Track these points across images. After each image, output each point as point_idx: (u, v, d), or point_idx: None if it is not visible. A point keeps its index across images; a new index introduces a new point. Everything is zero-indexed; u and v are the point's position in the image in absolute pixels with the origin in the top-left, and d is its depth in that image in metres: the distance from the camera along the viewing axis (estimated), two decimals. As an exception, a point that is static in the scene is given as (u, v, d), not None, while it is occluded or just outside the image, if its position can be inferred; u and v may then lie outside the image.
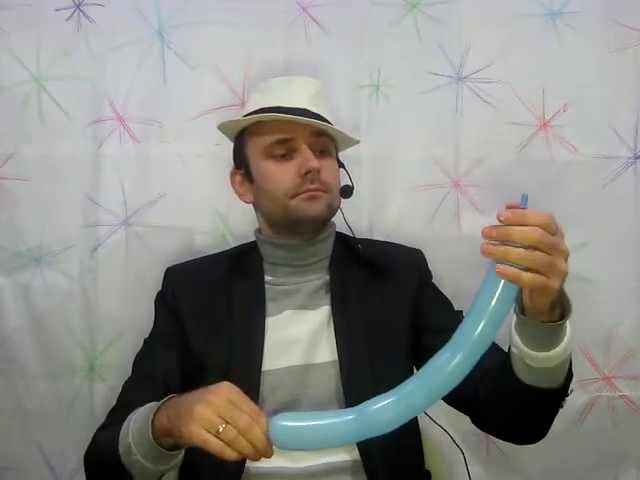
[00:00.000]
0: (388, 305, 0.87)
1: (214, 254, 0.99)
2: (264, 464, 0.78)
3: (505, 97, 1.12)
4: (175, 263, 0.95)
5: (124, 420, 0.69)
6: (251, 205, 0.93)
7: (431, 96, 1.13)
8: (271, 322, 0.85)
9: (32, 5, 1.13)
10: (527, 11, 1.13)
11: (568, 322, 0.61)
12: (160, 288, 0.92)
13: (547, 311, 0.58)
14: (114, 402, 1.14)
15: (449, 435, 0.92)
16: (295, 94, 0.87)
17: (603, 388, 1.13)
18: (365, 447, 0.78)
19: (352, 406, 0.77)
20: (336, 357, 0.82)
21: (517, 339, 0.62)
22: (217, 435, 0.56)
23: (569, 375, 0.66)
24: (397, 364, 0.85)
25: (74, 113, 1.14)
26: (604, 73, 1.12)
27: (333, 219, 0.91)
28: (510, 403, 0.70)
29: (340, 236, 0.94)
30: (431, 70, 1.13)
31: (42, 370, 1.14)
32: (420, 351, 0.85)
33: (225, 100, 1.13)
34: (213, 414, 0.57)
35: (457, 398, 0.76)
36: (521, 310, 0.61)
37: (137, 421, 0.66)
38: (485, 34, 1.12)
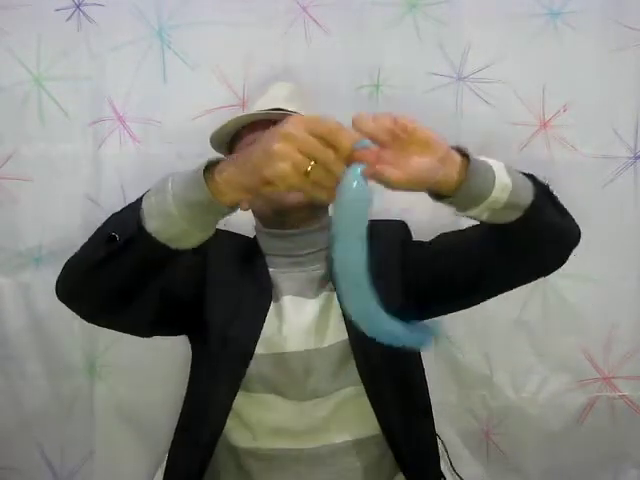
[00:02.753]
0: (380, 274, 0.87)
1: (233, 232, 1.00)
2: (270, 445, 0.82)
3: (505, 97, 1.12)
4: None
5: None
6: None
7: (431, 96, 1.13)
8: (271, 307, 0.86)
9: (32, 5, 1.12)
10: (527, 11, 1.13)
11: (491, 162, 0.63)
12: None
13: (447, 162, 0.61)
14: (114, 402, 1.15)
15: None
16: (270, 97, 0.91)
17: (603, 388, 1.13)
18: (383, 418, 0.81)
19: (367, 384, 0.80)
20: (336, 341, 0.83)
21: (469, 213, 0.65)
22: (305, 174, 0.51)
23: (538, 180, 0.68)
24: None
25: (74, 113, 1.14)
26: (604, 73, 1.12)
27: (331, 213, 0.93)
28: (515, 242, 0.70)
29: None
30: (431, 70, 1.13)
31: (42, 370, 1.14)
32: (426, 294, 0.85)
33: (225, 100, 1.13)
34: (296, 151, 0.51)
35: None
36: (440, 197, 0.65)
37: (179, 175, 0.59)
38: (485, 34, 1.12)
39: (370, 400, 0.81)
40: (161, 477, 1.01)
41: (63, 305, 1.12)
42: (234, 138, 0.92)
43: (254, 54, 1.13)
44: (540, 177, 0.71)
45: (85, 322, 1.13)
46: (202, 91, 1.14)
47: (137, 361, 1.13)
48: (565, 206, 0.75)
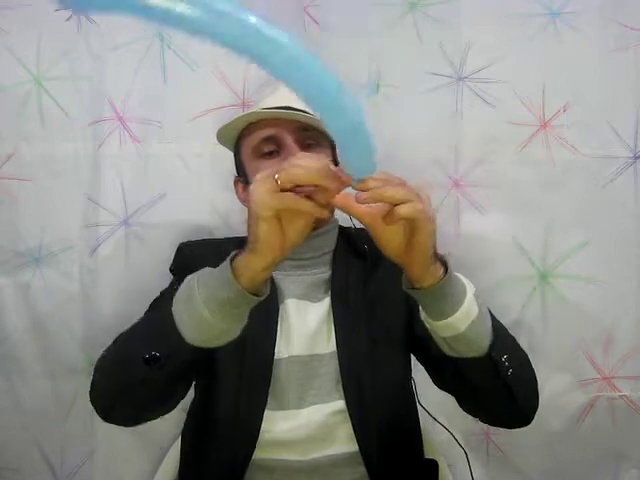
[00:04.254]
0: (385, 296, 0.87)
1: (225, 238, 1.00)
2: (271, 456, 0.80)
3: (505, 97, 1.12)
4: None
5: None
6: None
7: (431, 96, 1.13)
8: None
9: (32, 5, 1.12)
10: (527, 11, 1.13)
11: (468, 290, 0.64)
12: (174, 261, 0.93)
13: (428, 263, 0.60)
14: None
15: (452, 435, 0.93)
16: (280, 95, 0.90)
17: (603, 388, 1.13)
18: (362, 438, 0.79)
19: (352, 396, 0.80)
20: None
21: (423, 313, 0.66)
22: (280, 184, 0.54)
23: (498, 343, 0.66)
24: (395, 354, 0.86)
25: (74, 113, 1.14)
26: (604, 73, 1.12)
27: (336, 214, 0.92)
28: (455, 381, 0.73)
29: (343, 231, 0.94)
30: (431, 70, 1.13)
31: (42, 370, 1.14)
32: (415, 341, 0.86)
33: (225, 100, 1.13)
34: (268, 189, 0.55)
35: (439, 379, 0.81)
36: (410, 287, 0.64)
37: (203, 277, 0.61)
38: (485, 34, 1.12)
39: (350, 416, 0.79)
40: (161, 477, 1.01)
41: (63, 305, 1.14)
42: (242, 134, 0.91)
43: (254, 54, 1.13)
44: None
45: (85, 322, 1.14)
46: (202, 91, 1.14)
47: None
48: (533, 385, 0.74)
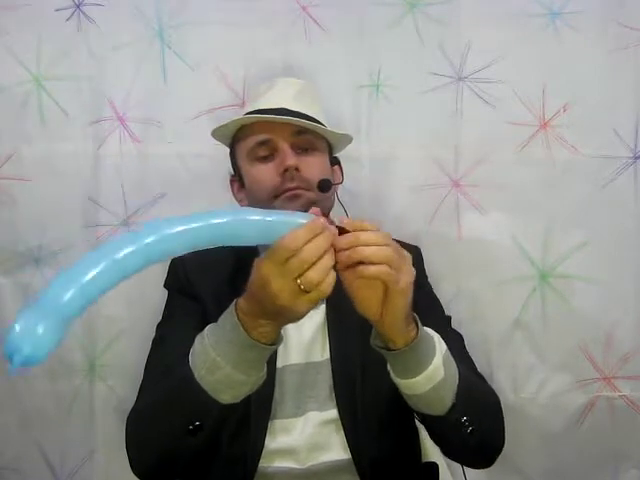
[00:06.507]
0: None
1: (215, 247, 0.99)
2: (271, 464, 0.79)
3: (505, 97, 1.12)
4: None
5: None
6: None
7: (431, 96, 1.13)
8: None
9: (32, 5, 1.13)
10: (527, 11, 1.13)
11: (437, 352, 0.64)
12: (167, 277, 0.92)
13: (401, 327, 0.60)
14: (114, 402, 1.15)
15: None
16: (276, 95, 0.89)
17: (603, 388, 1.13)
18: (355, 447, 0.79)
19: (345, 404, 0.79)
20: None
21: (389, 368, 0.66)
22: (306, 291, 0.54)
23: (460, 404, 0.66)
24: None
25: (74, 113, 1.14)
26: (604, 73, 1.12)
27: (335, 218, 0.91)
28: (428, 427, 0.75)
29: None
30: (431, 70, 1.14)
31: (42, 370, 1.14)
32: None
33: (225, 100, 1.13)
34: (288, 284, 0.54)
35: None
36: (382, 346, 0.64)
37: (213, 334, 0.61)
38: (485, 34, 1.13)
39: (342, 422, 0.79)
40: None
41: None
42: (237, 135, 0.90)
43: (254, 54, 1.13)
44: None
45: (85, 322, 1.14)
46: (202, 91, 1.14)
47: (137, 361, 1.12)
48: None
